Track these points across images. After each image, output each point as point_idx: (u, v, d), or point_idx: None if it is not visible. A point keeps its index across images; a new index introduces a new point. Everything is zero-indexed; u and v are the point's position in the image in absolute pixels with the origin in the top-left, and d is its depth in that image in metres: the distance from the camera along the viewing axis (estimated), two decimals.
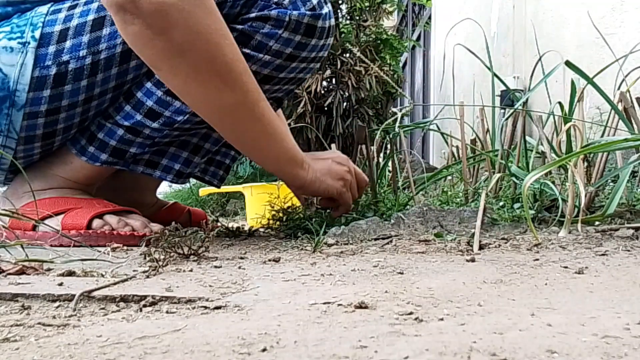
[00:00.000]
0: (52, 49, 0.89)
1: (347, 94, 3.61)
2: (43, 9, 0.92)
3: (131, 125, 0.96)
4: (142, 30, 0.77)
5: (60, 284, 0.53)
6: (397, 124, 1.22)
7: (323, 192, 1.02)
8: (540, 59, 1.15)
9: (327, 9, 0.97)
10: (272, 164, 0.98)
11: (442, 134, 1.37)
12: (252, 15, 0.92)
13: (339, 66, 3.62)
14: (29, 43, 0.89)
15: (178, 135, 1.01)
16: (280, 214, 1.10)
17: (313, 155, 1.03)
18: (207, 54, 0.81)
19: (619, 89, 0.99)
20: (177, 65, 0.81)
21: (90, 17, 0.90)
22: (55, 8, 0.92)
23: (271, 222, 1.12)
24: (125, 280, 0.56)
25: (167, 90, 0.94)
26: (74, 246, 0.82)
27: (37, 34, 0.89)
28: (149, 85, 0.95)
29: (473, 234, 0.79)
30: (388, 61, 3.78)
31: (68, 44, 0.90)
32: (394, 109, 1.31)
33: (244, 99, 0.86)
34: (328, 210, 1.08)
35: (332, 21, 0.99)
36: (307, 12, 0.93)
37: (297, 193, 1.08)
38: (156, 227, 0.96)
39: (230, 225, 1.19)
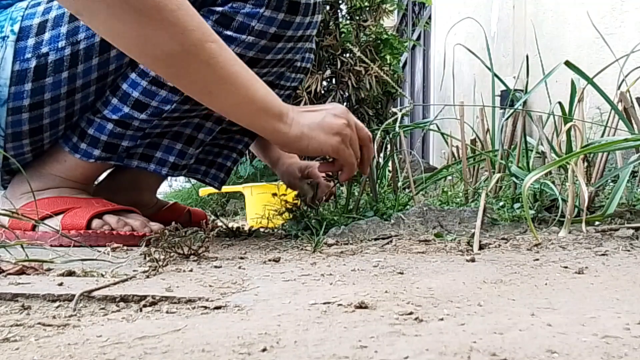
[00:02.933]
0: (31, 41, 0.89)
1: (347, 94, 3.61)
2: (23, 4, 0.92)
3: (119, 118, 0.96)
4: None
5: (60, 284, 0.53)
6: (397, 124, 1.22)
7: (314, 150, 0.88)
8: (527, 60, 1.15)
9: None
10: (240, 117, 0.86)
11: (442, 134, 1.37)
12: None
13: (339, 66, 3.62)
14: (8, 37, 0.89)
15: (169, 125, 1.00)
16: (284, 215, 1.09)
17: (304, 108, 0.91)
18: None
19: (619, 89, 0.99)
20: (95, 7, 0.72)
21: None
22: (35, 2, 0.92)
23: (271, 224, 1.12)
24: (125, 280, 0.56)
25: (151, 79, 0.93)
26: (74, 246, 0.82)
27: (16, 27, 0.89)
28: (133, 76, 0.94)
29: (473, 234, 0.79)
30: (388, 61, 3.78)
31: (47, 35, 0.89)
32: (394, 109, 1.30)
33: (183, 40, 0.75)
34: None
35: None
36: None
37: (285, 151, 0.93)
38: (156, 226, 0.95)
39: (230, 225, 1.19)
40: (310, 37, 1.01)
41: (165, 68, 0.79)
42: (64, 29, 0.89)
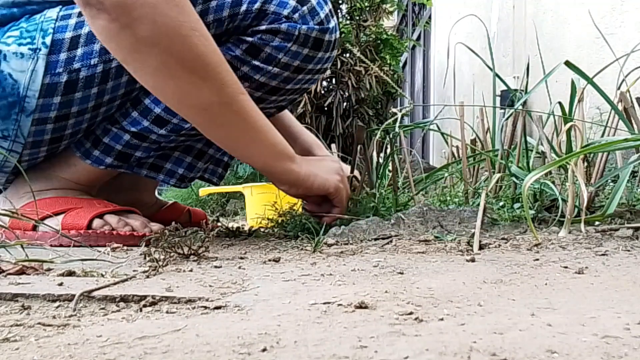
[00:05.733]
0: (63, 56, 0.89)
1: (347, 94, 3.61)
2: (52, 13, 0.91)
3: (138, 131, 0.97)
4: (107, 25, 0.76)
5: (60, 284, 0.53)
6: (397, 124, 1.21)
7: (318, 187, 0.95)
8: (528, 64, 1.15)
9: (333, 22, 0.97)
10: (259, 159, 0.93)
11: (442, 134, 1.37)
12: (262, 27, 0.92)
13: (339, 66, 3.62)
14: (39, 49, 0.88)
15: (184, 140, 1.02)
16: (284, 217, 1.09)
17: (303, 157, 0.98)
18: (175, 47, 0.78)
19: (619, 89, 0.99)
20: (144, 60, 0.79)
21: None
22: (65, 13, 0.91)
23: (270, 224, 1.12)
24: (125, 280, 0.56)
25: None
26: (74, 246, 0.82)
27: (48, 40, 0.89)
28: None
29: (473, 234, 0.79)
30: (388, 61, 3.78)
31: (79, 51, 0.89)
32: (394, 109, 1.31)
33: (220, 93, 0.82)
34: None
35: (338, 34, 0.99)
36: (316, 27, 0.94)
37: (290, 192, 0.99)
38: (156, 226, 0.96)
39: (230, 225, 1.19)
40: (326, 70, 1.05)
41: (201, 118, 0.86)
42: (97, 46, 0.89)
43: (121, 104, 0.97)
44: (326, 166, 0.99)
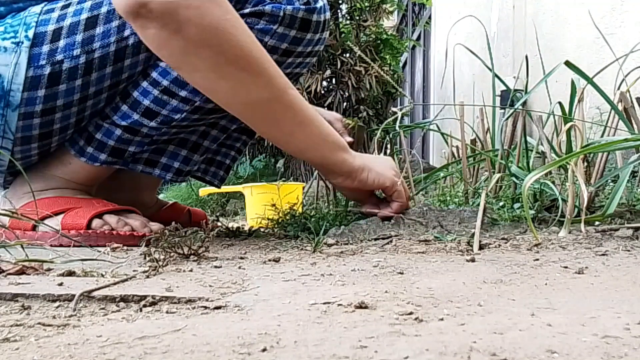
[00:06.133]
0: (45, 48, 0.89)
1: (347, 94, 3.61)
2: (36, 8, 0.92)
3: (129, 124, 0.96)
4: (158, 32, 0.78)
5: (60, 284, 0.53)
6: (397, 123, 1.21)
7: (373, 181, 0.94)
8: (527, 60, 1.15)
9: (321, 2, 0.96)
10: (314, 153, 0.93)
11: (442, 134, 1.37)
12: (246, 10, 0.92)
13: (339, 66, 3.62)
14: (22, 43, 0.89)
15: (176, 132, 1.01)
16: (285, 217, 1.09)
17: (355, 152, 0.97)
18: (223, 47, 0.79)
19: (619, 89, 0.99)
20: (195, 62, 0.81)
21: (84, 15, 0.90)
22: (49, 7, 0.92)
23: (270, 224, 1.12)
24: (125, 280, 0.56)
25: (163, 89, 0.94)
26: (74, 246, 0.82)
27: (31, 33, 0.89)
28: (145, 84, 0.95)
29: (473, 234, 0.79)
30: (388, 61, 3.78)
31: (62, 43, 0.89)
32: (394, 109, 1.31)
33: (270, 87, 0.84)
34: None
35: (328, 14, 0.98)
36: (302, 7, 0.93)
37: (344, 185, 0.96)
38: (155, 226, 0.96)
39: (230, 225, 1.19)
40: (318, 53, 1.02)
41: (253, 114, 0.88)
42: (79, 37, 0.89)
43: (110, 98, 0.96)
44: (380, 161, 0.98)
